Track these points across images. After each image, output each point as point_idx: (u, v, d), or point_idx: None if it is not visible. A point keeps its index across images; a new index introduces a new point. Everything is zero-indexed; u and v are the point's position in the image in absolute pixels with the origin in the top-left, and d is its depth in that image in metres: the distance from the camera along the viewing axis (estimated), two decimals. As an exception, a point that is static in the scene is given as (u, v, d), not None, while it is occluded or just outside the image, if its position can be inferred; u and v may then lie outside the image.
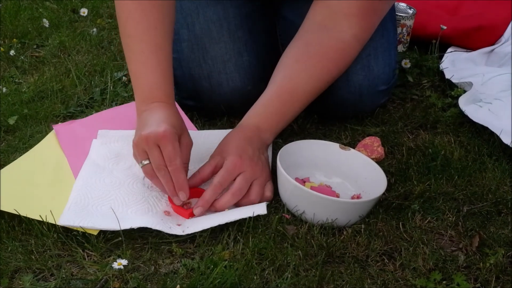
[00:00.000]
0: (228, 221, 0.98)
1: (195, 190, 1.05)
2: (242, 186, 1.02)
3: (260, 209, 1.00)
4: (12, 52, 1.66)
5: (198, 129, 1.27)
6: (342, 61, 1.15)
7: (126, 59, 1.11)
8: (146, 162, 1.01)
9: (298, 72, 1.13)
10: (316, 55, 1.13)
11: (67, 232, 0.97)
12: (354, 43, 1.14)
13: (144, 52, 1.07)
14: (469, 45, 1.65)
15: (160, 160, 0.99)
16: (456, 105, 1.35)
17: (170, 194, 1.01)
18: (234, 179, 1.03)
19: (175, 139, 1.00)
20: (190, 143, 1.05)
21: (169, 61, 1.09)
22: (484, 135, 1.26)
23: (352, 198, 1.08)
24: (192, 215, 1.02)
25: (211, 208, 1.02)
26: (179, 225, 0.99)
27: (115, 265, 0.90)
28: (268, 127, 1.11)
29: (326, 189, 1.09)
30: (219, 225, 0.98)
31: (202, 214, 1.01)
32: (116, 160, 1.14)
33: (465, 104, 1.34)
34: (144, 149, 1.00)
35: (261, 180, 1.04)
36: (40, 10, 1.97)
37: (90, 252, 0.94)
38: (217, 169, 1.05)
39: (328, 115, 1.30)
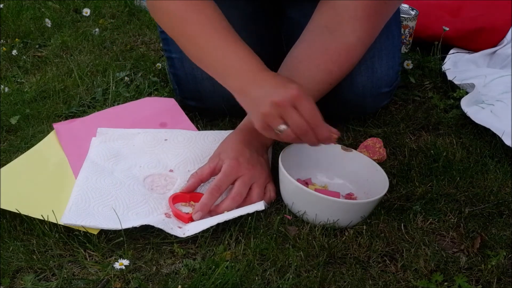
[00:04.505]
0: (227, 219, 0.98)
1: (195, 195, 1.05)
2: (241, 190, 1.02)
3: (258, 205, 1.00)
4: (14, 52, 1.66)
5: (199, 130, 1.27)
6: (346, 64, 1.15)
7: (195, 59, 1.08)
8: (284, 127, 0.96)
9: (300, 73, 1.12)
10: (320, 57, 1.12)
11: (69, 232, 0.97)
12: (358, 46, 1.14)
13: (217, 40, 1.04)
14: (471, 47, 1.65)
15: (302, 121, 0.95)
16: (458, 107, 1.35)
17: (318, 144, 0.99)
18: (233, 183, 1.03)
19: (309, 95, 0.97)
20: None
21: (240, 39, 1.06)
22: (486, 137, 1.26)
23: (346, 196, 1.07)
24: (191, 219, 1.02)
25: (212, 213, 1.02)
26: (180, 227, 0.99)
27: (117, 265, 0.90)
28: None
29: (330, 191, 1.08)
30: (221, 226, 0.98)
31: (202, 218, 1.01)
32: (115, 160, 1.14)
33: (467, 105, 1.34)
34: (279, 115, 0.96)
35: (260, 182, 1.04)
36: (43, 10, 1.97)
37: (92, 252, 0.94)
38: (216, 171, 1.05)
39: (330, 116, 1.30)
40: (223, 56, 1.04)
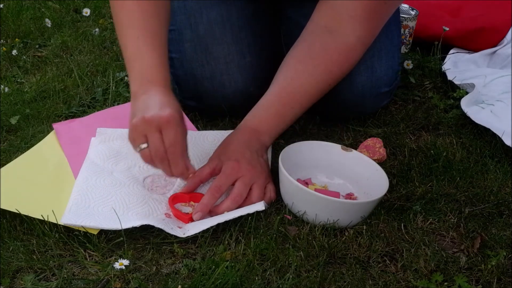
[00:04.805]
0: (227, 219, 0.98)
1: (195, 195, 1.05)
2: (241, 191, 1.02)
3: (259, 206, 1.00)
4: (14, 52, 1.66)
5: (199, 130, 1.27)
6: (345, 63, 1.15)
7: (121, 47, 1.08)
8: (144, 146, 0.98)
9: (300, 73, 1.12)
10: (319, 56, 1.12)
11: (69, 232, 0.97)
12: (358, 46, 1.14)
13: (139, 38, 1.05)
14: (472, 47, 1.65)
15: (160, 146, 0.96)
16: (458, 107, 1.35)
17: (169, 178, 1.01)
18: (233, 184, 1.03)
19: (179, 125, 0.97)
20: (186, 131, 1.02)
21: (165, 47, 1.07)
22: (486, 137, 1.26)
23: (346, 196, 1.07)
24: (191, 220, 1.02)
25: (212, 214, 1.02)
26: (180, 227, 0.99)
27: (117, 265, 0.90)
28: (267, 130, 1.11)
29: (330, 191, 1.08)
30: (221, 226, 0.98)
31: (202, 218, 1.01)
32: (115, 160, 1.14)
33: (467, 105, 1.34)
34: (144, 132, 0.97)
35: (260, 183, 1.04)
36: (43, 10, 1.97)
37: (92, 252, 0.94)
38: (216, 172, 1.05)
39: (330, 116, 1.30)
40: (136, 57, 1.04)
